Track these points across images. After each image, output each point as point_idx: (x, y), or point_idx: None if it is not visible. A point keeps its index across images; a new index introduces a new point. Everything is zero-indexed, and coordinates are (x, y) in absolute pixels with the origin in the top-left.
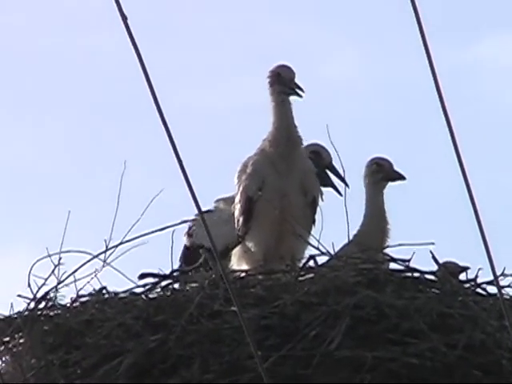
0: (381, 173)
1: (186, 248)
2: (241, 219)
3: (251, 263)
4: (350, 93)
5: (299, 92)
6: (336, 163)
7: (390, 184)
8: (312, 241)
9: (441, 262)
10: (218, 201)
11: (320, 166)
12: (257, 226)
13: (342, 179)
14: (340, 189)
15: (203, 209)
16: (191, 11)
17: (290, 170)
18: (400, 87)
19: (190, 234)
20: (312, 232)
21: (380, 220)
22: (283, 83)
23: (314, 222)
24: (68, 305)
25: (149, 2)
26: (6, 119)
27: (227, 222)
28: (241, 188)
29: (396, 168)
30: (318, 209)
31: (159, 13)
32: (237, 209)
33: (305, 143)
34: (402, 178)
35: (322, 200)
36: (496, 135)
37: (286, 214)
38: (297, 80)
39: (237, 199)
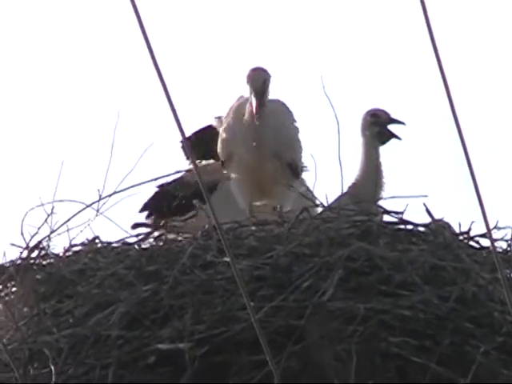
0: (377, 124)
1: None
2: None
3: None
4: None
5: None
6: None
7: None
8: (306, 193)
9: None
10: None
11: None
12: (237, 180)
13: (397, 122)
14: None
15: None
16: None
17: (259, 144)
18: (396, 40)
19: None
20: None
21: (375, 173)
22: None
23: (297, 176)
24: (61, 254)
25: None
26: None
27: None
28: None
29: (393, 117)
30: (313, 161)
31: None
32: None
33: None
34: (400, 123)
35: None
36: (494, 87)
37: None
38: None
39: (222, 130)
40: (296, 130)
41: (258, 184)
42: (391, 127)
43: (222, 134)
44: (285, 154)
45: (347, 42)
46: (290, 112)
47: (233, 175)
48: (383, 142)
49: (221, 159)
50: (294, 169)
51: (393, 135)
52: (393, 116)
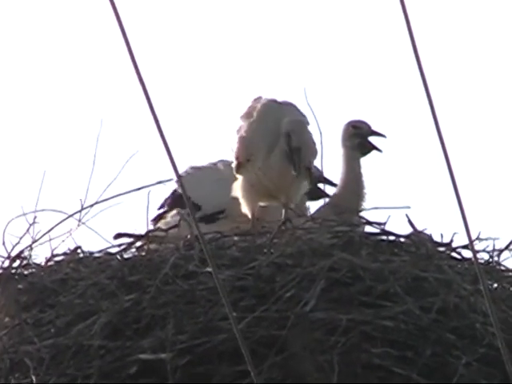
0: (358, 136)
1: (174, 194)
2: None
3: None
4: (327, 54)
5: None
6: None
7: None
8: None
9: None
10: (220, 161)
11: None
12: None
13: (378, 134)
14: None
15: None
16: None
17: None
18: (378, 52)
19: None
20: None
21: (356, 184)
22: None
23: (311, 179)
24: (42, 264)
25: None
26: None
27: (223, 184)
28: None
29: (374, 129)
30: None
31: None
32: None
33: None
34: (381, 135)
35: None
36: (476, 99)
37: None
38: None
39: (243, 130)
40: (311, 133)
41: (272, 186)
42: (372, 139)
43: (244, 134)
44: (305, 158)
45: (330, 53)
46: (305, 116)
47: (240, 177)
48: (364, 154)
49: (237, 160)
50: (310, 172)
51: (373, 147)
52: (374, 128)
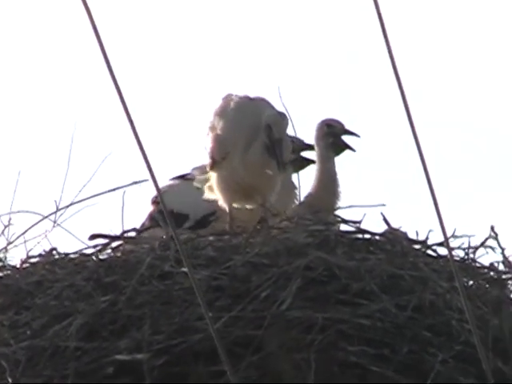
0: (331, 135)
1: (151, 215)
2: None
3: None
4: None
5: None
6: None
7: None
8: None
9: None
10: (194, 169)
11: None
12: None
13: (351, 133)
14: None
15: (179, 174)
16: None
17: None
18: (353, 52)
19: (157, 202)
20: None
21: (331, 183)
22: None
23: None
24: (18, 265)
25: None
26: None
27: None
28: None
29: (348, 128)
30: None
31: None
32: (208, 144)
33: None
34: (355, 135)
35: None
36: (451, 98)
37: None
38: None
39: (218, 129)
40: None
41: (251, 182)
42: (346, 138)
43: (219, 133)
44: (286, 151)
45: (304, 52)
46: (277, 110)
47: (215, 174)
48: (337, 153)
49: (212, 159)
50: (284, 165)
51: (347, 146)
52: (347, 127)
